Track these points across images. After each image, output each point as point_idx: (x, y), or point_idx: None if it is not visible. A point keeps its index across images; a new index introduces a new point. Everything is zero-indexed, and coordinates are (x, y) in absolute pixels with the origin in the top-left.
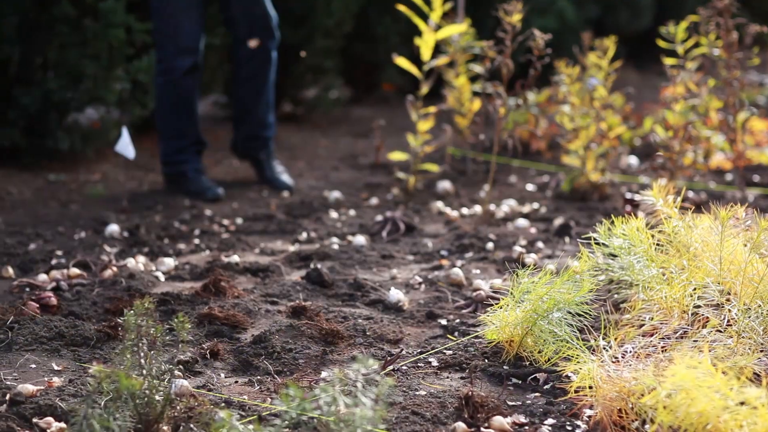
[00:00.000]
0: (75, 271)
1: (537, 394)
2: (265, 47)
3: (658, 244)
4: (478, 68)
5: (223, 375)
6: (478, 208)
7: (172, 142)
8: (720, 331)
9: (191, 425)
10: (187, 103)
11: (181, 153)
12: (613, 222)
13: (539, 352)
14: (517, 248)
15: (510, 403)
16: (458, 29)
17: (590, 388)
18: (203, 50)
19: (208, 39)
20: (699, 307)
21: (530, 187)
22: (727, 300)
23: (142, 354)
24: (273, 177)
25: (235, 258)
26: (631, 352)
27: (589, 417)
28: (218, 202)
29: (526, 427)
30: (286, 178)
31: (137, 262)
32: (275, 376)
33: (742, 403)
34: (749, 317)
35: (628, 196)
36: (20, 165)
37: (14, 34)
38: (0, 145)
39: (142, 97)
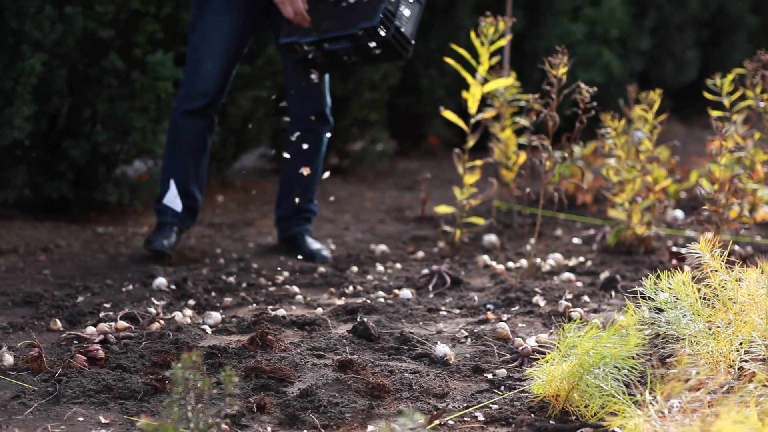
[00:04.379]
0: (123, 323)
1: None
2: (317, 131)
3: (704, 298)
4: (523, 121)
5: (269, 429)
6: (524, 262)
7: (163, 185)
8: (766, 386)
9: None
10: (185, 146)
11: (159, 202)
12: (659, 276)
13: (585, 406)
14: (563, 302)
15: None
16: (504, 82)
17: None
18: (220, 104)
19: (255, 91)
20: (745, 361)
21: (576, 240)
22: None
23: (189, 407)
24: (309, 251)
25: (281, 311)
26: (677, 406)
27: None
28: (162, 255)
29: None
30: (325, 252)
31: (184, 315)
32: (322, 430)
33: None
34: None
35: (674, 249)
36: (69, 217)
37: (63, 86)
38: (49, 198)
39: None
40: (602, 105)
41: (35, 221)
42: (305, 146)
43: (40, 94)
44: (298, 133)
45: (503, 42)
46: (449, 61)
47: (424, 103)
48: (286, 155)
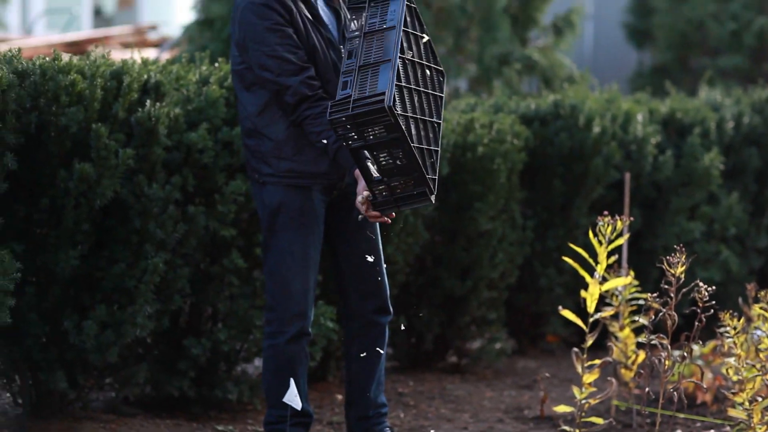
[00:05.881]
0: None
1: None
2: (380, 323)
3: None
4: (642, 320)
5: None
6: None
7: (274, 410)
8: None
9: None
10: (292, 371)
11: (282, 423)
12: None
13: None
14: None
15: None
16: (623, 281)
17: None
18: (313, 316)
19: None
20: None
21: None
22: None
23: None
24: None
25: None
26: None
27: None
28: None
29: None
30: None
31: None
32: None
33: None
34: None
35: None
36: (189, 414)
37: (185, 285)
38: (170, 395)
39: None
40: (721, 303)
41: (156, 418)
42: (370, 341)
43: (162, 292)
44: (360, 329)
45: (621, 241)
46: (567, 260)
47: (542, 302)
48: (353, 353)
